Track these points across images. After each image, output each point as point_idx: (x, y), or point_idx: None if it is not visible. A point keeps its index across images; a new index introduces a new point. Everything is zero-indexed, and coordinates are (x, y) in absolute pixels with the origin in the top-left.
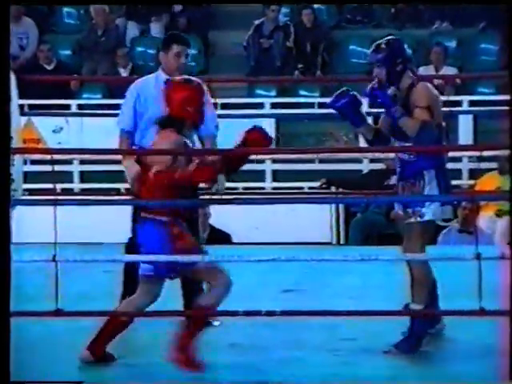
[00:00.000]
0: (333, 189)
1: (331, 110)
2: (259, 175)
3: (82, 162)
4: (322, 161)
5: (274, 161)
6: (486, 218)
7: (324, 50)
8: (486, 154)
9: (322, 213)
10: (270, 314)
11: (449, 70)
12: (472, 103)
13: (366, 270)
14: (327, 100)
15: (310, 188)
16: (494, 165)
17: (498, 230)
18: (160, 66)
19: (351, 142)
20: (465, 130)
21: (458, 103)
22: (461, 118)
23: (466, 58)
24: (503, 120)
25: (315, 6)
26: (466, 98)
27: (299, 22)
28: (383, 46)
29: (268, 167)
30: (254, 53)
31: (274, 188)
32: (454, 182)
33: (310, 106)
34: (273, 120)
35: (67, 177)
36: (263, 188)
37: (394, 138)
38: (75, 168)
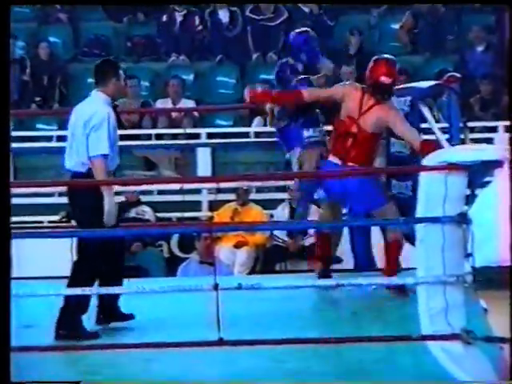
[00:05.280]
0: (73, 222)
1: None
2: None
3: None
4: (61, 194)
5: (14, 195)
6: (225, 250)
7: (61, 83)
8: (223, 185)
9: (62, 246)
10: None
11: (186, 103)
12: (210, 135)
13: None
14: (65, 133)
15: (49, 222)
16: (231, 196)
17: (237, 261)
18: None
19: None
20: (203, 162)
21: (197, 136)
22: (199, 150)
23: (203, 90)
24: (240, 152)
25: (51, 39)
26: (204, 131)
27: (35, 55)
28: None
29: None
30: None
31: (14, 222)
32: (193, 214)
33: (48, 139)
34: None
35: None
36: None
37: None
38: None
